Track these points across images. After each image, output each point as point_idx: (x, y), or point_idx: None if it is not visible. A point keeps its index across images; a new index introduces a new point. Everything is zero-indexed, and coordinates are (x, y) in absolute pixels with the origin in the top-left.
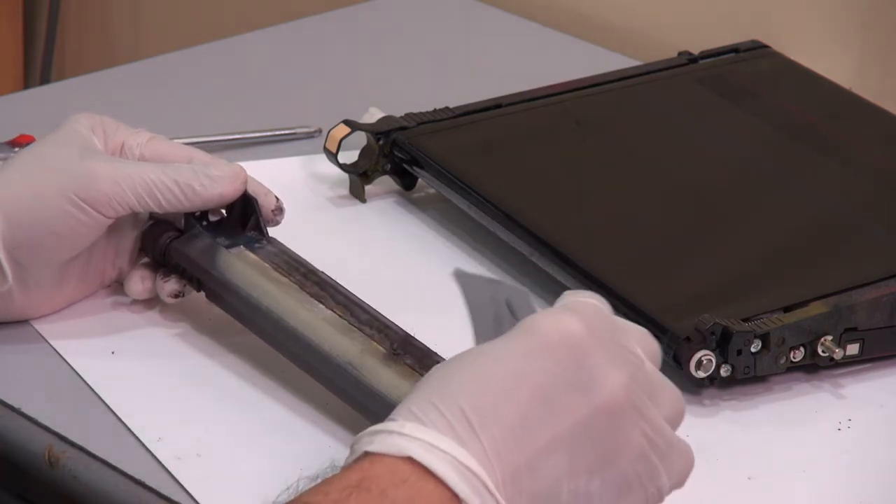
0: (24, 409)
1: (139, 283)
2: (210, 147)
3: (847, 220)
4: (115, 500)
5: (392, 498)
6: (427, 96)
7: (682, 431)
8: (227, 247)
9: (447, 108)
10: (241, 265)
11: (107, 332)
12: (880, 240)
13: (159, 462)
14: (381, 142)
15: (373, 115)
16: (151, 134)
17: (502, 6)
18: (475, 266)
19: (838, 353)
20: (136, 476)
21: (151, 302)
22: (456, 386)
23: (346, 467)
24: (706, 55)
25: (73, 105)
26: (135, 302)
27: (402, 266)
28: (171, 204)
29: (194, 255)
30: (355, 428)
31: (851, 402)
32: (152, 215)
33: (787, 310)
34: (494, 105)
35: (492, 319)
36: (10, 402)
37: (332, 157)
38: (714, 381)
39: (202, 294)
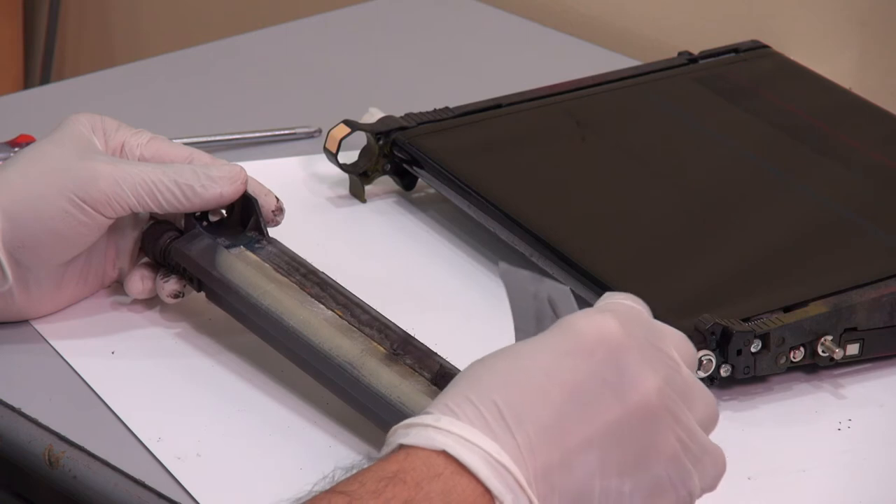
0: (24, 409)
1: (139, 283)
2: (210, 147)
3: (847, 220)
4: (115, 500)
5: (426, 490)
6: (427, 96)
7: None
8: (228, 247)
9: (447, 108)
10: (241, 265)
11: (107, 332)
12: (880, 240)
13: (159, 462)
14: (381, 142)
15: (373, 115)
16: (152, 134)
17: (502, 6)
18: (476, 266)
19: (838, 353)
20: (136, 476)
21: (151, 302)
22: (492, 382)
23: (382, 459)
24: (706, 55)
25: (73, 105)
26: (135, 302)
27: (402, 266)
28: (171, 204)
29: (194, 256)
30: (355, 428)
31: (851, 402)
32: (152, 216)
33: (787, 310)
34: (494, 105)
35: (533, 316)
36: (10, 402)
37: (332, 157)
38: (714, 381)
39: (202, 294)
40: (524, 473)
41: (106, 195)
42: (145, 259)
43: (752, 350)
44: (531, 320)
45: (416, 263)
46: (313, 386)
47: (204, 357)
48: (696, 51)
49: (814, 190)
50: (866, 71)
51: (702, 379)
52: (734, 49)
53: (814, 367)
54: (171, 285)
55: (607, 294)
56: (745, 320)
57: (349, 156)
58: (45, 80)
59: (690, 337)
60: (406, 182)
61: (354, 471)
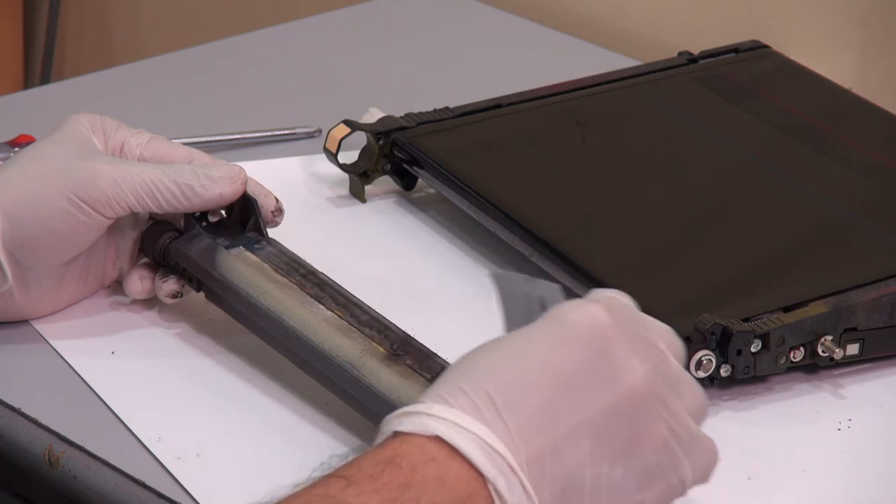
0: (24, 409)
1: (138, 283)
2: (210, 147)
3: (847, 220)
4: (115, 500)
5: (421, 474)
6: (427, 96)
7: None
8: (227, 247)
9: (447, 108)
10: (240, 266)
11: (107, 332)
12: (880, 240)
13: (159, 462)
14: (381, 142)
15: (373, 115)
16: (152, 134)
17: (502, 6)
18: (476, 266)
19: (838, 353)
20: (136, 476)
21: (151, 302)
22: (483, 371)
23: (377, 446)
24: (706, 55)
25: (73, 105)
26: (135, 302)
27: (402, 266)
28: (170, 204)
29: (194, 256)
30: (355, 428)
31: (851, 402)
32: (152, 216)
33: (787, 310)
34: (494, 105)
35: (524, 318)
36: (10, 402)
37: (332, 157)
38: (714, 381)
39: (202, 294)
40: (516, 458)
41: (106, 195)
42: (145, 259)
43: (752, 350)
44: (521, 322)
45: (416, 263)
46: (313, 386)
47: (204, 357)
48: (696, 51)
49: (814, 190)
50: (866, 71)
51: (701, 379)
52: (734, 49)
53: (814, 367)
54: (169, 285)
55: (594, 290)
56: (745, 320)
57: (349, 156)
58: (45, 80)
59: (690, 337)
60: (406, 182)
61: (350, 458)
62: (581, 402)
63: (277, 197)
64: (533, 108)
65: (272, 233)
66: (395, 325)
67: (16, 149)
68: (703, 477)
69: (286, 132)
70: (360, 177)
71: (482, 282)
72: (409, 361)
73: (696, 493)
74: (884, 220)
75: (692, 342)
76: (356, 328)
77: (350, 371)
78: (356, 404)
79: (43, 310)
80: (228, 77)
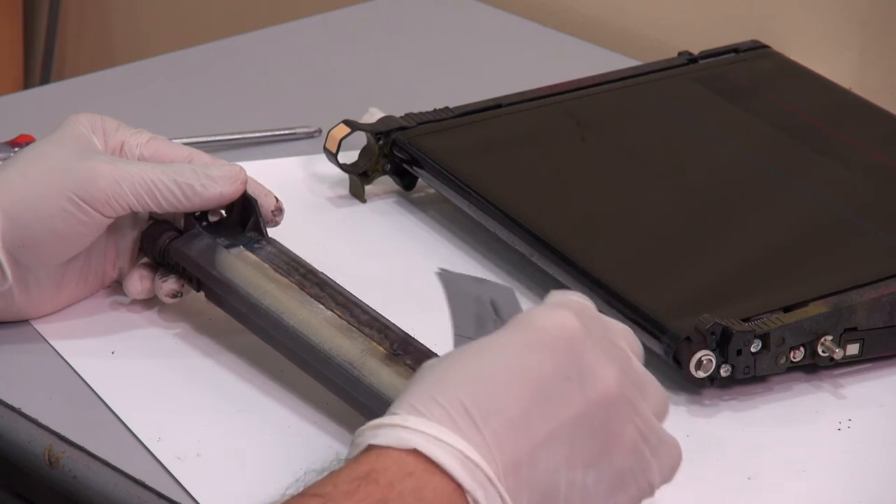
0: (24, 409)
1: (138, 282)
2: (210, 147)
3: (847, 220)
4: (115, 500)
5: (399, 489)
6: (427, 96)
7: (683, 431)
8: (227, 247)
9: (447, 108)
10: (240, 265)
11: (107, 332)
12: (880, 240)
13: (159, 462)
14: (381, 142)
15: (373, 115)
16: (151, 134)
17: (502, 6)
18: (476, 266)
19: (838, 353)
20: (136, 476)
21: (151, 302)
22: (455, 380)
23: (352, 460)
24: (706, 55)
25: (73, 105)
26: (135, 302)
27: (402, 266)
28: (170, 204)
29: (194, 256)
30: (355, 428)
31: (851, 402)
32: (152, 215)
33: (787, 310)
34: (494, 105)
35: (474, 318)
36: (10, 402)
37: (332, 157)
38: (714, 381)
39: (202, 294)
40: (493, 468)
41: (106, 194)
42: (145, 259)
43: (752, 350)
44: (472, 322)
45: (416, 263)
46: (313, 386)
47: (204, 357)
48: (696, 51)
49: (814, 190)
50: (866, 71)
51: (701, 379)
52: (734, 49)
53: (814, 367)
54: (169, 285)
55: (553, 292)
56: (745, 320)
57: (349, 156)
58: (45, 80)
59: (690, 337)
60: (406, 182)
61: (326, 473)
62: (555, 409)
63: (277, 197)
64: (533, 108)
65: (272, 232)
66: (395, 324)
67: (16, 149)
68: (667, 477)
69: (286, 132)
70: (360, 177)
71: None
72: (409, 361)
73: (697, 493)
74: (884, 220)
75: (692, 342)
76: (356, 328)
77: (350, 371)
78: (356, 404)
79: (43, 310)
80: (228, 77)
